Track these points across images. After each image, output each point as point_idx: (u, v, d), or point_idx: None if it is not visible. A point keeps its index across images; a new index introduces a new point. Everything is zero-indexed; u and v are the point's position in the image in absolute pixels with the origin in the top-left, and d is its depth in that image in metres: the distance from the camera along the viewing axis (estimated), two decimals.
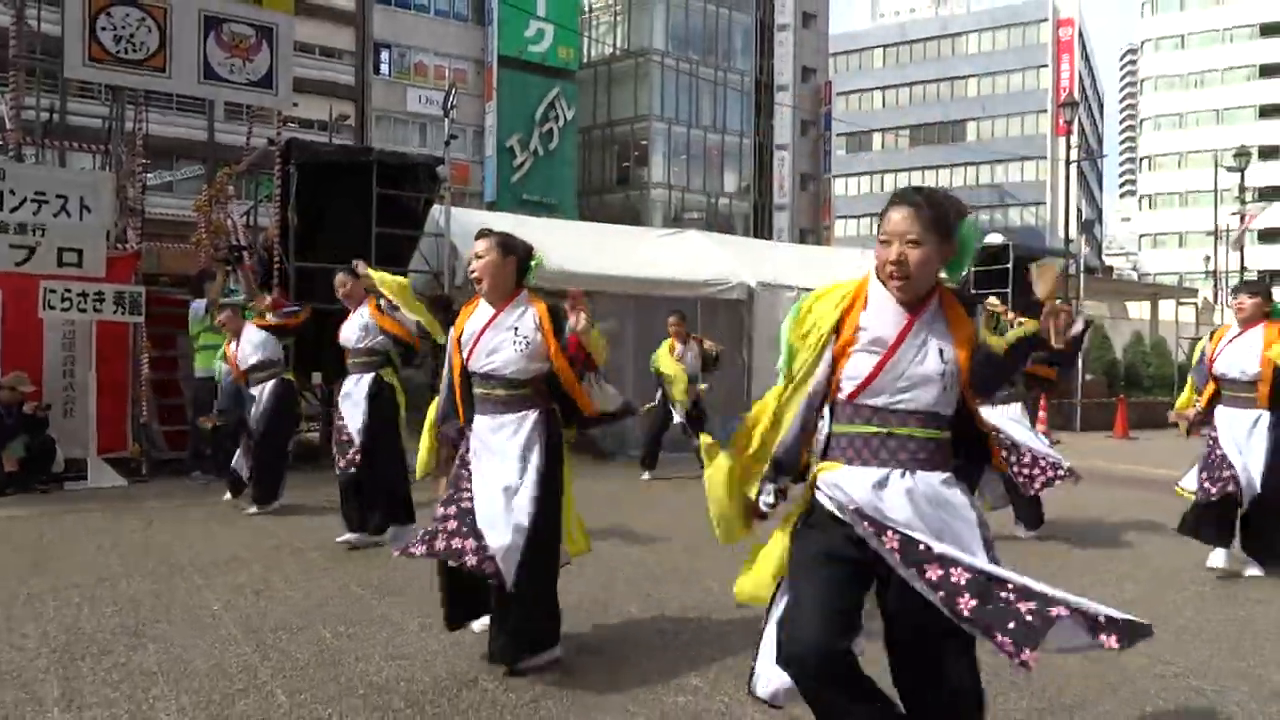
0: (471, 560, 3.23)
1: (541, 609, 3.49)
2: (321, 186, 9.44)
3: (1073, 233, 21.09)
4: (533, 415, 3.52)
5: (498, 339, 3.53)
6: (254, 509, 6.82)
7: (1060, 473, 5.79)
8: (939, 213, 2.19)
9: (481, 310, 3.64)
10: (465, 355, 3.60)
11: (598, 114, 38.78)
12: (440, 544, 3.29)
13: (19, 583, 4.85)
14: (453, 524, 3.33)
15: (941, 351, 2.21)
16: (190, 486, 8.20)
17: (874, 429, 2.25)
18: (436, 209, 10.57)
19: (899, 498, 2.20)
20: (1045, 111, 54.53)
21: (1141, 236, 67.57)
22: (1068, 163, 20.45)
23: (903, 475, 2.22)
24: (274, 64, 9.36)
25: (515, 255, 3.58)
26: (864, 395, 2.25)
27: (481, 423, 3.56)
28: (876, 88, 62.89)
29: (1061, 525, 6.67)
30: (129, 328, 8.66)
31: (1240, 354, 5.23)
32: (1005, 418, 6.00)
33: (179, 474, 8.72)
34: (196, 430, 8.41)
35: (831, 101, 46.03)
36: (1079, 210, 41.67)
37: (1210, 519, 5.32)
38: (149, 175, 10.18)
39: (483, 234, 3.60)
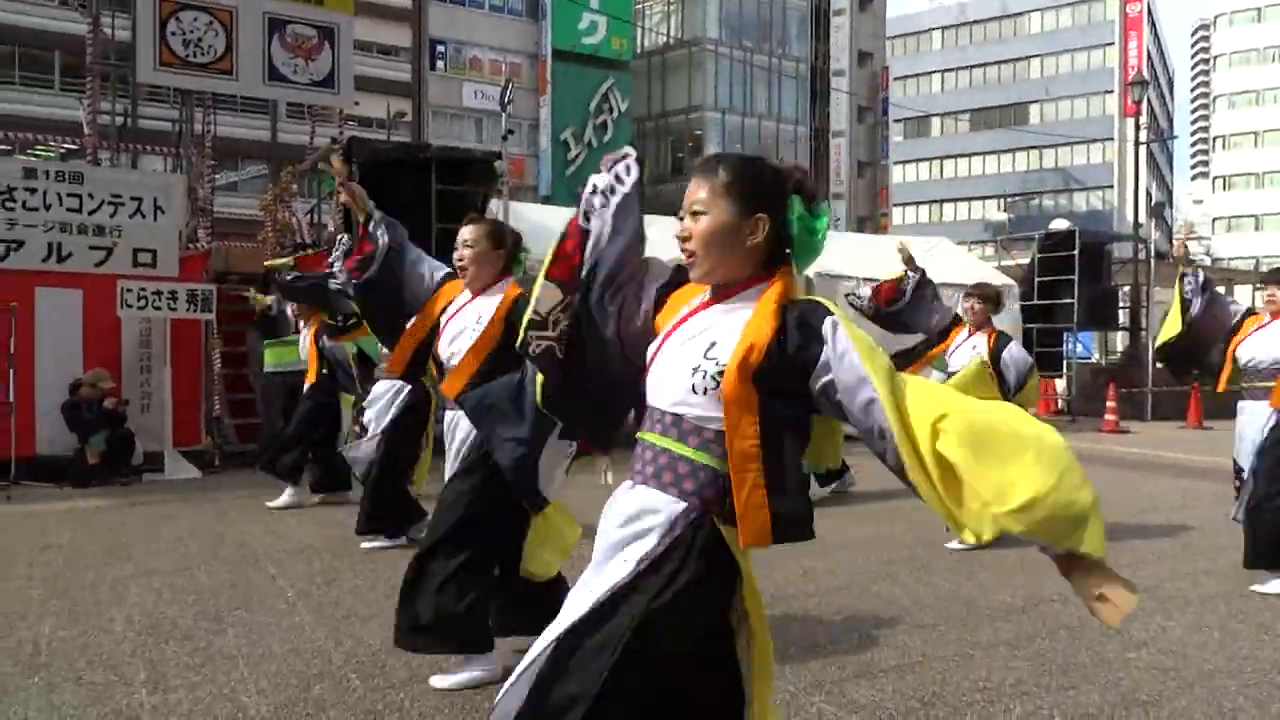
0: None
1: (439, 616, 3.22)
2: (382, 183, 9.60)
3: (1142, 217, 20.47)
4: None
5: (460, 326, 3.39)
6: (281, 501, 6.97)
7: None
8: (739, 179, 1.79)
9: (460, 297, 3.51)
10: (435, 338, 3.48)
11: (652, 105, 38.75)
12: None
13: (104, 569, 5.06)
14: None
15: (712, 346, 1.76)
16: (261, 478, 8.44)
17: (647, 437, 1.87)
18: (494, 203, 10.69)
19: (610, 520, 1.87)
20: (1112, 91, 52.86)
21: (1215, 220, 65.25)
22: (1136, 144, 19.85)
23: (631, 489, 1.86)
24: (335, 63, 9.57)
25: (504, 247, 3.49)
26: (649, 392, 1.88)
27: (446, 416, 3.50)
28: (935, 71, 61.62)
29: (1136, 518, 6.51)
30: (201, 325, 8.94)
31: (1265, 342, 4.97)
32: None
33: (249, 466, 8.98)
34: (268, 424, 8.64)
35: (889, 87, 45.23)
36: (1148, 193, 40.40)
37: None
38: (215, 176, 10.48)
39: (471, 220, 3.55)
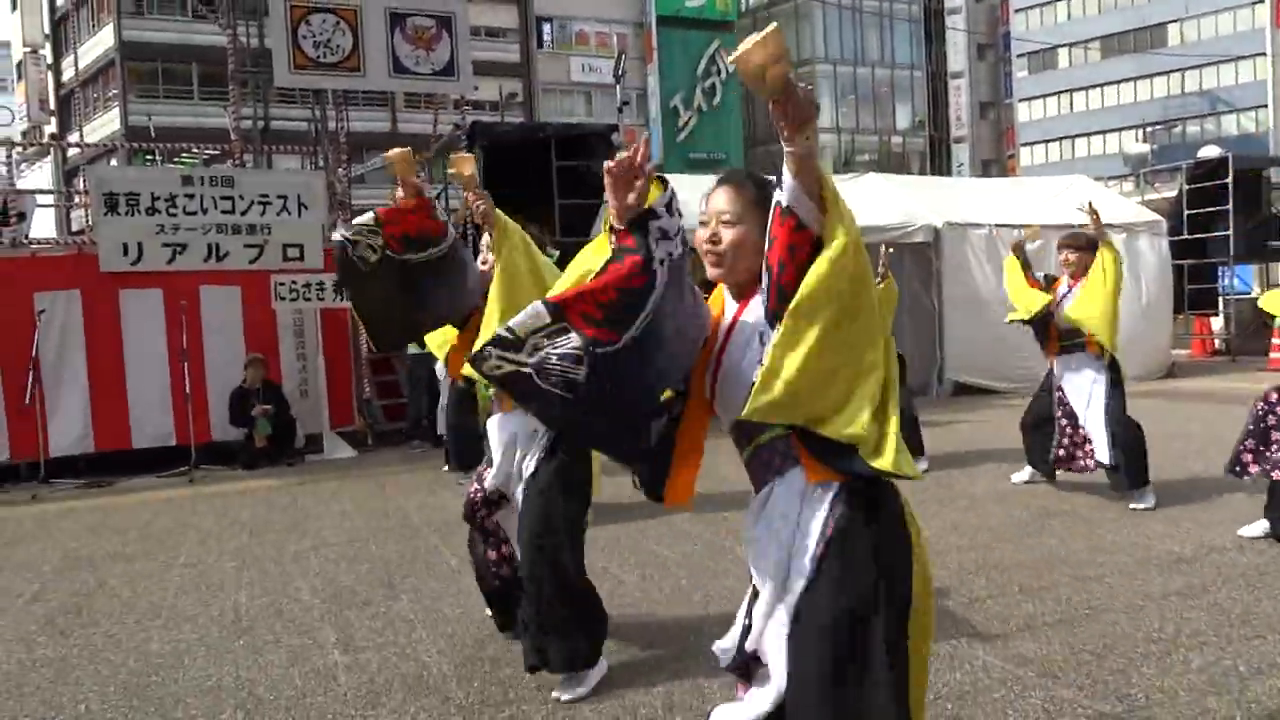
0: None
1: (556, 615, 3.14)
2: (506, 165, 9.87)
3: None
4: None
5: None
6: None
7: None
8: (763, 195, 1.89)
9: None
10: None
11: None
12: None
13: (285, 544, 5.47)
14: None
15: (761, 335, 1.84)
16: (410, 454, 8.89)
17: (746, 450, 1.93)
18: None
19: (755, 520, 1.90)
20: (1262, 1, 48.44)
21: None
22: None
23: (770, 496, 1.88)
24: (454, 51, 9.84)
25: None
26: (718, 404, 1.94)
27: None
28: None
29: None
30: (348, 312, 9.42)
31: None
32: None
33: (399, 444, 9.46)
34: (413, 405, 9.09)
35: (1010, 20, 42.91)
36: None
37: None
38: (339, 170, 10.95)
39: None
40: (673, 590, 4.17)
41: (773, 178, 1.89)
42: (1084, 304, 5.37)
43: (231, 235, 8.89)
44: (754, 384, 1.71)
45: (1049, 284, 5.71)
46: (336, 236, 3.43)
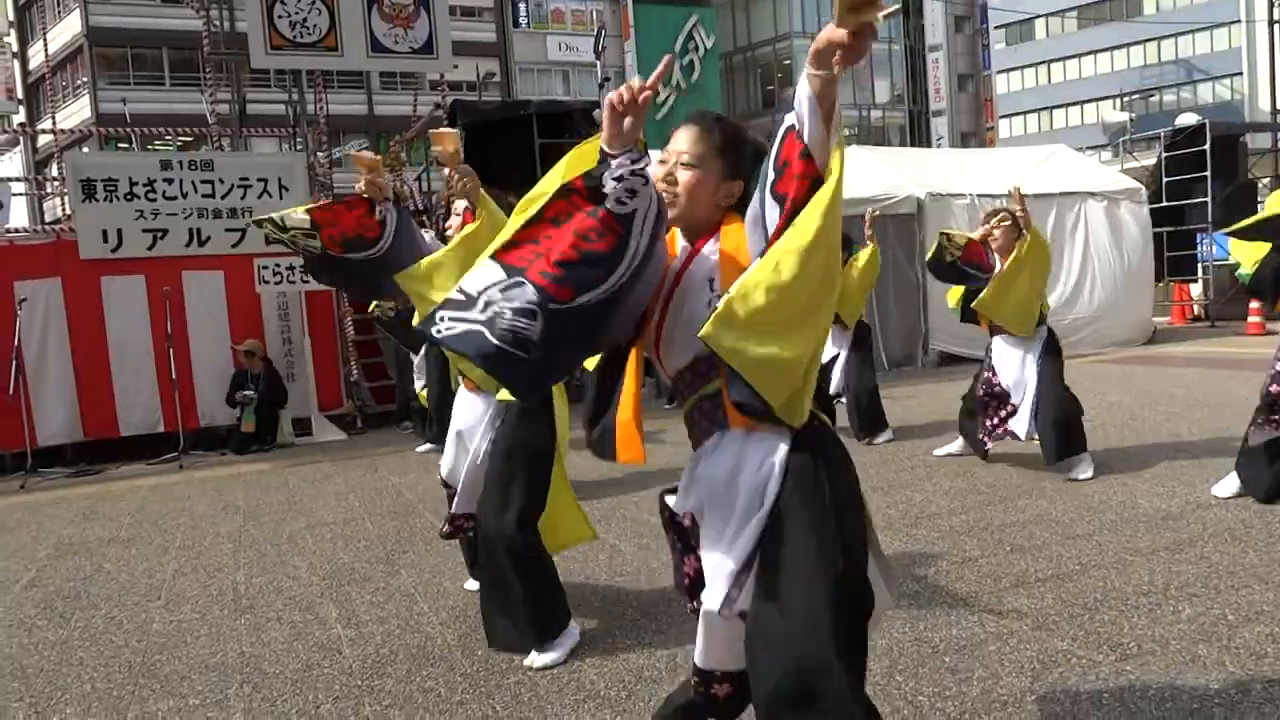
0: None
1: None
2: (488, 143, 9.82)
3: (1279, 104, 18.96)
4: None
5: None
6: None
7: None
8: (730, 143, 1.89)
9: None
10: None
11: (738, 38, 37.91)
12: None
13: (280, 525, 5.48)
14: None
15: (712, 282, 1.84)
16: (401, 436, 8.88)
17: (691, 400, 1.92)
18: None
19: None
20: None
21: None
22: (1271, 23, 18.33)
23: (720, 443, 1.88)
24: (433, 28, 9.75)
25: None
26: (664, 354, 1.92)
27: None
28: None
29: None
30: (332, 295, 9.38)
31: None
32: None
33: (388, 426, 9.45)
34: (403, 385, 9.07)
35: None
36: None
37: None
38: (319, 153, 10.84)
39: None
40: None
41: (739, 126, 1.91)
42: (997, 293, 5.27)
43: (212, 219, 8.81)
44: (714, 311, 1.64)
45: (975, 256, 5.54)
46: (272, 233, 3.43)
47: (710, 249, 1.88)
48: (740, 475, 1.82)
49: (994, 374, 5.55)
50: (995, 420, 5.52)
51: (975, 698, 2.66)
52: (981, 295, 5.34)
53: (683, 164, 1.88)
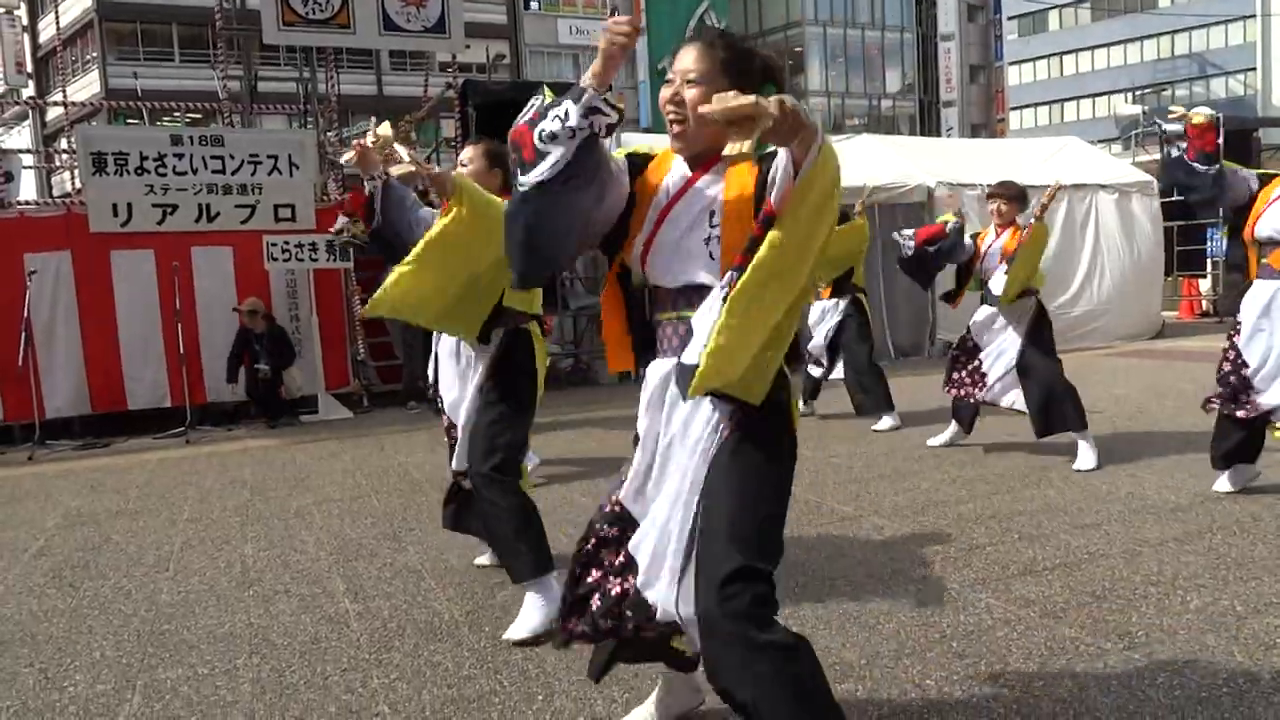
0: None
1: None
2: (497, 124, 9.76)
3: None
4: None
5: None
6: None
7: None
8: (735, 58, 1.87)
9: None
10: None
11: (749, 23, 37.63)
12: None
13: (287, 499, 5.49)
14: None
15: (711, 215, 1.88)
16: (408, 415, 8.89)
17: (667, 315, 1.99)
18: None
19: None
20: None
21: None
22: None
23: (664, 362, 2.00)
24: (445, 8, 9.69)
25: (501, 167, 3.42)
26: (650, 269, 1.97)
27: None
28: None
29: None
30: (340, 273, 9.38)
31: None
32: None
33: (394, 406, 9.46)
34: (409, 365, 9.07)
35: None
36: None
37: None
38: (328, 132, 10.81)
39: (473, 141, 3.54)
40: None
41: (743, 40, 1.95)
42: (1017, 272, 5.27)
43: (222, 195, 8.79)
44: (706, 347, 1.73)
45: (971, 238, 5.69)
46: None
47: (706, 183, 1.91)
48: (690, 425, 1.94)
49: (968, 331, 5.73)
50: (963, 374, 5.72)
51: (983, 683, 2.66)
52: (1005, 289, 5.31)
53: (688, 82, 1.86)
